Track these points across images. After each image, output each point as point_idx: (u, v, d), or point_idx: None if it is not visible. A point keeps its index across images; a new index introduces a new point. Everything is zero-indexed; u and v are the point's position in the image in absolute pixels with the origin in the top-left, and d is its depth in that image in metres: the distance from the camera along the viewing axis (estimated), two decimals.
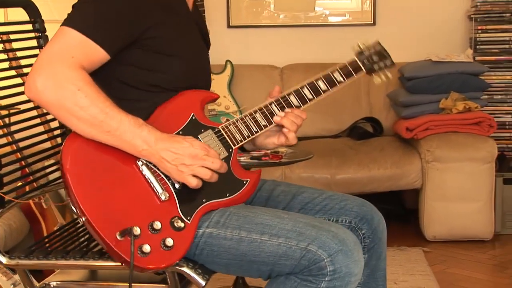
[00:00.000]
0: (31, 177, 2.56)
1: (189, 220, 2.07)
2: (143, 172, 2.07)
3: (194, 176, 2.04)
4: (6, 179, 2.30)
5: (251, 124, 2.25)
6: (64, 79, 1.99)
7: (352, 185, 4.76)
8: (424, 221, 4.78)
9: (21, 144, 2.54)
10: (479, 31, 5.33)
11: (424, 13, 5.63)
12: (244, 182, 2.21)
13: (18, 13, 2.72)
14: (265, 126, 2.27)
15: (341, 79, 2.45)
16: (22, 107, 2.50)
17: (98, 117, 1.99)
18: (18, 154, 2.63)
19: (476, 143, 4.64)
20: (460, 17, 5.61)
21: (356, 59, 2.46)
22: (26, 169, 2.57)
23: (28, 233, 3.96)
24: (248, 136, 2.25)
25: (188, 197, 2.10)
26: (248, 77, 5.47)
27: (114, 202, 2.03)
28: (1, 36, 3.28)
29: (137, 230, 1.99)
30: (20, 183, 2.42)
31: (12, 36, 2.63)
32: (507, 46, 5.32)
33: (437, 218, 4.74)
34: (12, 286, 2.92)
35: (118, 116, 2.00)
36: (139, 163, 2.06)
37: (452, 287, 3.96)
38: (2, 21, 4.82)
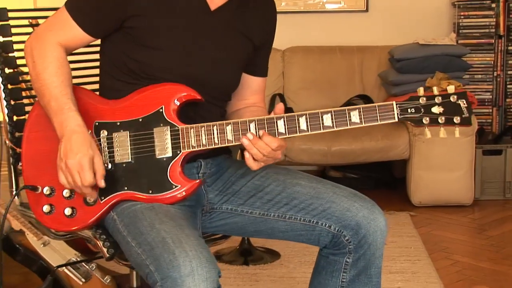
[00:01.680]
0: None
1: (102, 200, 1.97)
2: None
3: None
4: None
5: (215, 135, 1.95)
6: (35, 47, 2.00)
7: (347, 156, 4.79)
8: (411, 188, 4.79)
9: None
10: (462, 17, 5.33)
11: (413, 0, 5.63)
12: (173, 187, 1.95)
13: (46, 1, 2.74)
14: (230, 142, 1.95)
15: (357, 120, 1.91)
16: None
17: (39, 90, 1.99)
18: None
19: None
20: (445, 4, 5.59)
21: (395, 104, 1.93)
22: None
23: None
24: (205, 146, 1.95)
25: (113, 179, 1.97)
26: None
27: (48, 159, 2.01)
28: (30, 20, 3.30)
29: (48, 190, 2.00)
30: None
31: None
32: (487, 30, 5.32)
33: (423, 185, 4.75)
34: (42, 245, 2.95)
35: (52, 93, 1.96)
36: None
37: (436, 247, 3.98)
38: (32, 7, 4.87)
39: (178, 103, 1.99)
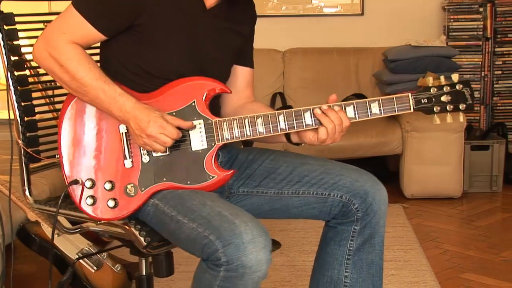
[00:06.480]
0: None
1: (142, 191, 1.97)
2: (122, 138, 1.98)
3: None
4: (44, 140, 2.29)
5: (246, 127, 1.97)
6: (53, 52, 1.92)
7: (344, 152, 4.77)
8: (404, 182, 4.80)
9: None
10: (452, 20, 5.32)
11: (405, 4, 5.61)
12: (210, 177, 1.96)
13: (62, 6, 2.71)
14: (261, 134, 1.97)
15: (377, 112, 1.99)
16: None
17: (79, 89, 1.94)
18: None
19: None
20: (435, 8, 5.58)
21: (410, 95, 1.98)
22: None
23: None
24: (237, 138, 1.97)
25: (152, 171, 1.97)
26: (254, 59, 5.44)
27: (87, 152, 2.00)
28: (45, 24, 3.28)
29: (89, 183, 1.98)
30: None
31: None
32: (475, 33, 5.30)
33: (415, 179, 4.76)
34: (56, 235, 2.94)
35: (97, 87, 1.91)
36: (121, 129, 1.98)
37: (427, 237, 3.99)
38: (47, 11, 4.83)
39: (209, 97, 1.99)
